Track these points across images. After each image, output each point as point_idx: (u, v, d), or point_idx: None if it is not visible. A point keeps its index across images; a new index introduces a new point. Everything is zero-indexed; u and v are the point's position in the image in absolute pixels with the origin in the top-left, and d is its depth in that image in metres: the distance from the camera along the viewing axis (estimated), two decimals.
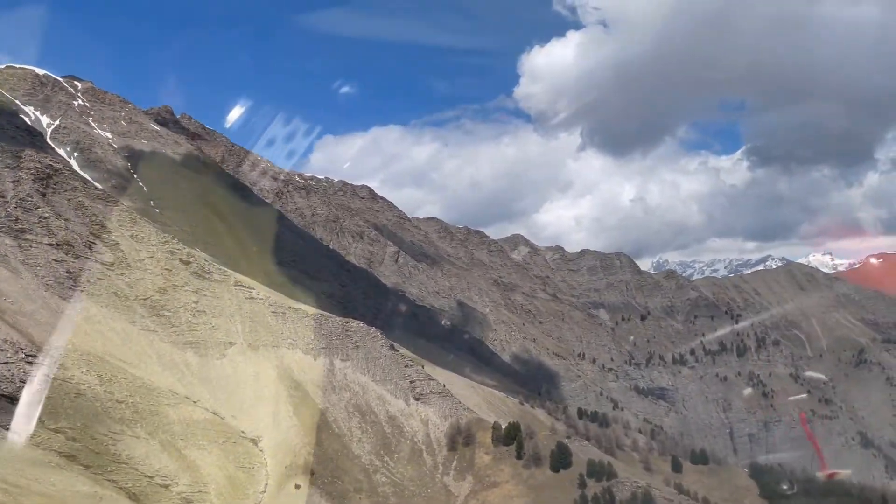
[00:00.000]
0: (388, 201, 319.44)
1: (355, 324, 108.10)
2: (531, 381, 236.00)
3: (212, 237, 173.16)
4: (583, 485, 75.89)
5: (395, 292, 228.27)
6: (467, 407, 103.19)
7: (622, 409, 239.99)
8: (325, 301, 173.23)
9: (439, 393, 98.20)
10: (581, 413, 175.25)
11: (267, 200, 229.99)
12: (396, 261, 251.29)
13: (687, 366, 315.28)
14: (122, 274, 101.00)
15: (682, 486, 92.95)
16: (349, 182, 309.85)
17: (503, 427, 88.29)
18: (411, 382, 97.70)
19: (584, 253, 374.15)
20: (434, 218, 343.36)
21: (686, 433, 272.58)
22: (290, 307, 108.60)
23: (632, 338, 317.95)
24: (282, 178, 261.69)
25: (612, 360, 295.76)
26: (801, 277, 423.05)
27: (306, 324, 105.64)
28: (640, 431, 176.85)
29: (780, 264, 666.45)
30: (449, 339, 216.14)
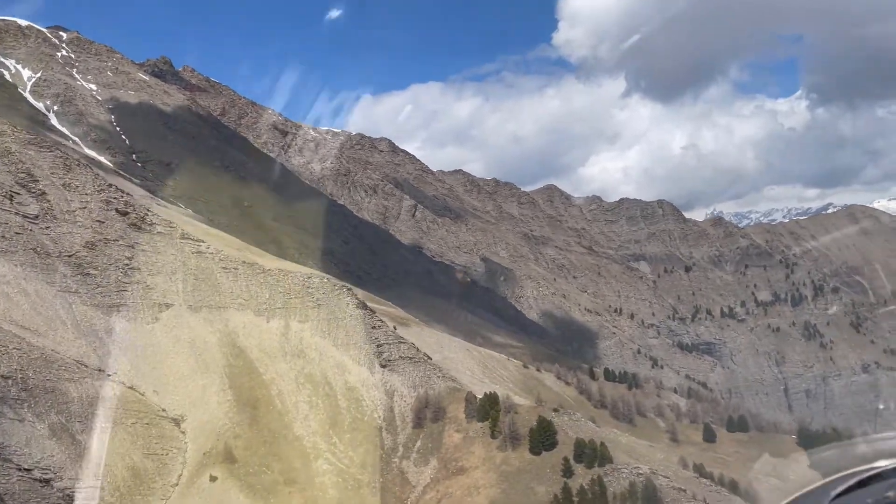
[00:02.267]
0: (409, 154, 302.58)
1: (318, 278, 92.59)
2: (562, 339, 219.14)
3: (198, 191, 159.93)
4: (568, 472, 59.80)
5: (410, 248, 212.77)
6: (449, 375, 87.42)
7: (661, 367, 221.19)
8: (323, 258, 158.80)
9: (410, 358, 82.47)
10: (608, 374, 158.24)
11: (271, 154, 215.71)
12: (413, 215, 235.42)
13: (737, 318, 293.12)
14: (46, 228, 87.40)
15: (703, 468, 75.71)
16: (367, 134, 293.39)
17: (478, 399, 72.34)
18: (378, 346, 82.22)
19: (622, 202, 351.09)
20: (461, 171, 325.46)
21: (735, 390, 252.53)
22: (243, 262, 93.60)
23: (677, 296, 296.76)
24: (291, 130, 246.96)
25: (653, 314, 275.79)
26: (865, 221, 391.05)
27: (262, 280, 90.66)
28: (675, 391, 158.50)
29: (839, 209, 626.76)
30: (468, 297, 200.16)
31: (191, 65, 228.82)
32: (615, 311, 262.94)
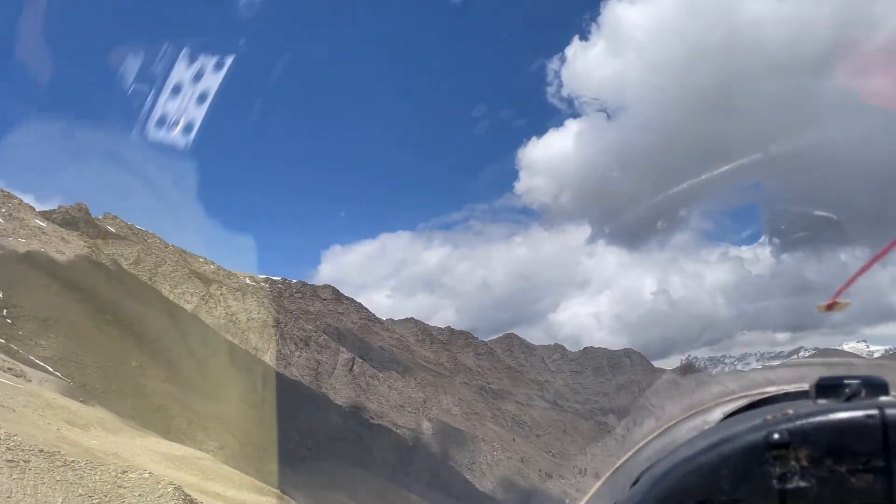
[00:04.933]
0: (355, 302, 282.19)
1: (139, 474, 67.60)
2: None
3: (75, 352, 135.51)
4: None
5: (342, 409, 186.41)
6: None
7: None
8: (218, 428, 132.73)
9: None
10: None
11: (187, 306, 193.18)
12: (351, 370, 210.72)
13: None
14: None
15: None
16: (308, 283, 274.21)
17: None
18: None
19: (587, 351, 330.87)
20: (412, 318, 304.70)
21: None
22: (41, 450, 68.42)
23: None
24: (220, 279, 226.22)
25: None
26: (838, 368, 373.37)
27: (55, 479, 65.26)
28: None
29: (812, 353, 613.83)
30: (406, 467, 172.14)
31: (122, 213, 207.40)
32: (580, 471, 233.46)
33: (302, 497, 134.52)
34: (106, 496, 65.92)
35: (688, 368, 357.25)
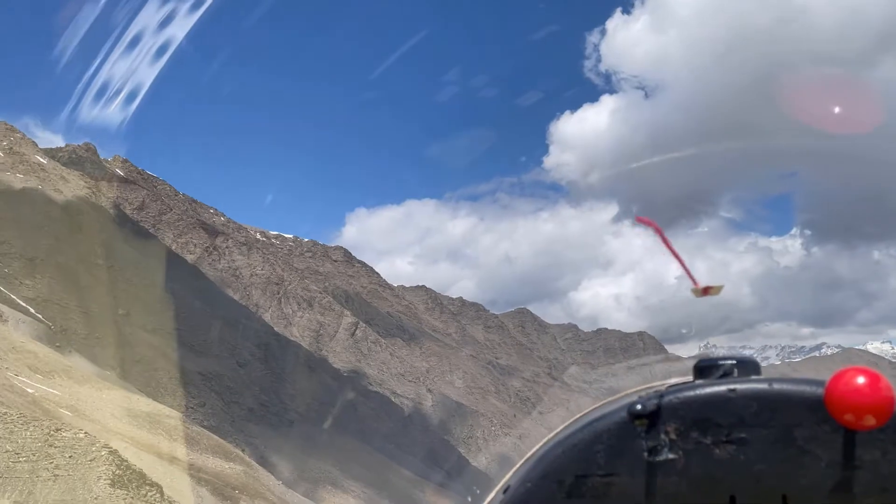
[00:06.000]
0: (366, 266, 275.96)
1: (73, 433, 61.49)
2: None
3: (60, 294, 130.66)
4: None
5: (338, 374, 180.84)
6: None
7: None
8: (202, 385, 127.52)
9: None
10: None
11: (189, 256, 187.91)
12: (353, 334, 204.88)
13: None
14: None
15: None
16: (319, 242, 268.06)
17: None
18: None
19: (600, 332, 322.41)
20: (423, 287, 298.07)
21: None
22: None
23: None
24: (228, 231, 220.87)
25: None
26: (862, 364, 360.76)
27: None
28: None
29: (835, 351, 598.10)
30: (398, 439, 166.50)
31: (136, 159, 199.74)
32: None
33: (285, 463, 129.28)
34: (34, 455, 59.78)
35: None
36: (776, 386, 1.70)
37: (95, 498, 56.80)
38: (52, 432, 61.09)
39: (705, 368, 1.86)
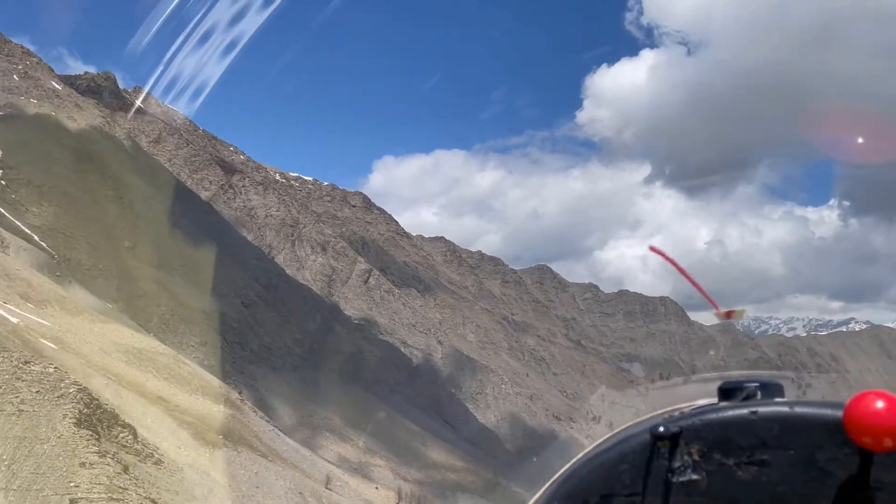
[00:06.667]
0: (385, 212, 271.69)
1: (41, 367, 58.42)
2: (520, 452, 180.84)
3: (66, 224, 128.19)
4: None
5: (347, 321, 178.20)
6: None
7: None
8: (204, 323, 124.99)
9: None
10: None
11: (203, 193, 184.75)
12: (366, 281, 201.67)
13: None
14: None
15: None
16: (339, 186, 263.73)
17: None
18: None
19: (622, 294, 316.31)
20: (442, 238, 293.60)
21: None
22: None
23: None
24: (245, 170, 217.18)
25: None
26: (891, 343, 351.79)
27: None
28: None
29: (863, 327, 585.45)
30: (404, 388, 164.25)
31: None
32: (593, 418, 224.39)
33: (286, 408, 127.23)
34: (0, 387, 56.74)
35: (728, 326, 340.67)
36: (797, 409, 1.73)
37: (59, 437, 53.46)
38: (20, 364, 57.86)
39: (729, 390, 1.89)
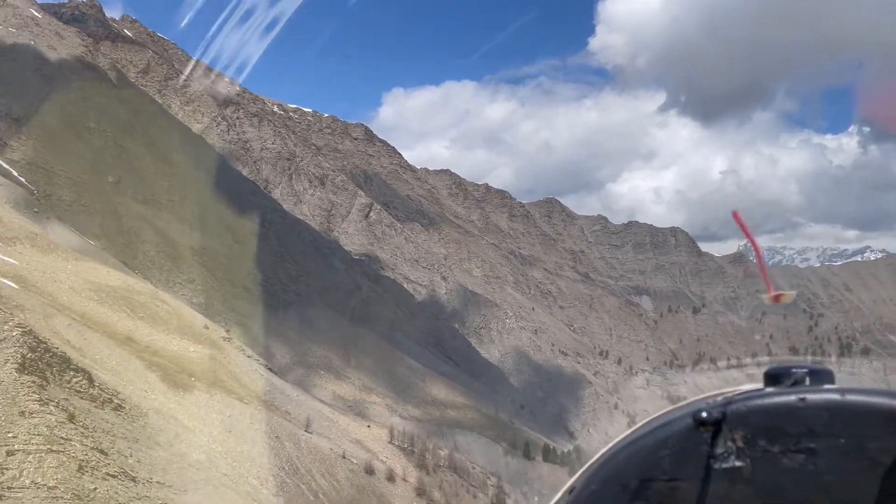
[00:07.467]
0: (388, 145, 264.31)
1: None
2: (526, 389, 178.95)
3: (46, 158, 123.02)
4: None
5: (346, 256, 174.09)
6: None
7: None
8: (193, 259, 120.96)
9: None
10: (547, 450, 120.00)
11: (196, 125, 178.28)
12: (367, 216, 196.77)
13: (744, 372, 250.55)
14: None
15: None
16: (340, 118, 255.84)
17: None
18: None
19: (631, 225, 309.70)
20: (447, 171, 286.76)
21: None
22: None
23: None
24: (241, 102, 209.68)
25: (647, 359, 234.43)
26: None
27: None
28: None
29: (879, 256, 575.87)
30: (404, 324, 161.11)
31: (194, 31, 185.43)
32: (600, 353, 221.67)
33: (280, 346, 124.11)
34: None
35: (739, 258, 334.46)
36: (849, 397, 1.69)
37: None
38: None
39: (776, 376, 1.85)
